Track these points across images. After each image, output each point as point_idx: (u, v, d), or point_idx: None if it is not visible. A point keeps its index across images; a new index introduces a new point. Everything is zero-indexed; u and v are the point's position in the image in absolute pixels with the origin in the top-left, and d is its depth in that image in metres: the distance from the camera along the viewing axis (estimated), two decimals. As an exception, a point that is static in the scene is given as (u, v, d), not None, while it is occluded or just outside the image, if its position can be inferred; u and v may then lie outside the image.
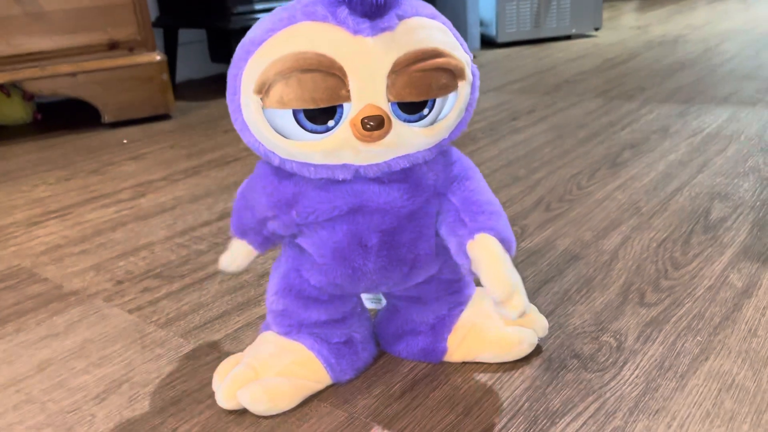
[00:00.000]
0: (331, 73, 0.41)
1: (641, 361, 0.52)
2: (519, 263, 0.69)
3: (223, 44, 1.82)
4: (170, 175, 1.08)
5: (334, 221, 0.47)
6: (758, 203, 0.79)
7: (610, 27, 2.40)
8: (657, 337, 0.55)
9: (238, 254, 0.53)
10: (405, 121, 0.44)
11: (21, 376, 0.57)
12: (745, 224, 0.74)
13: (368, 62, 0.42)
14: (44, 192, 1.05)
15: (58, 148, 1.32)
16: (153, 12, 1.87)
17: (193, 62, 2.01)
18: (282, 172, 0.47)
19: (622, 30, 2.30)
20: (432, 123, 0.45)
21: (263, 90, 0.42)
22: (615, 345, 0.54)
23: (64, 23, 1.35)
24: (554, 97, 1.42)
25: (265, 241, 0.52)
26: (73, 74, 1.38)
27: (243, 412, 0.49)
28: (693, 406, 0.46)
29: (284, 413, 0.49)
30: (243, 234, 0.52)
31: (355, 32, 0.42)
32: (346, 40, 0.42)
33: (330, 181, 0.46)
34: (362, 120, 0.42)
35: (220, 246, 0.79)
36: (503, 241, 0.46)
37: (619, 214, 0.80)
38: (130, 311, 0.66)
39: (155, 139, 1.34)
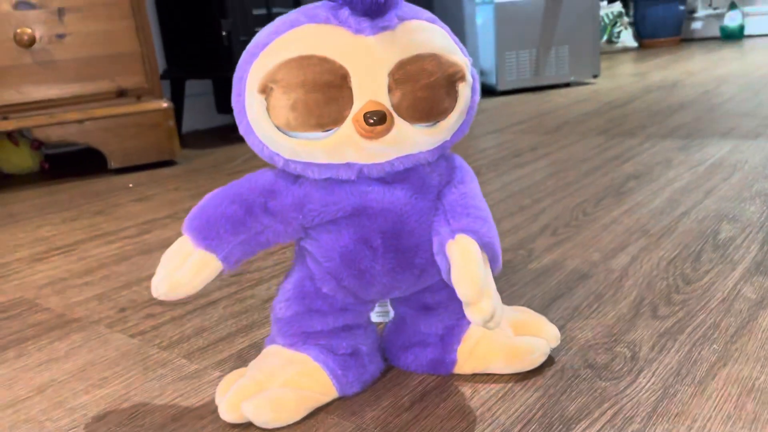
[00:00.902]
0: (334, 84, 0.42)
1: (657, 369, 0.50)
2: (527, 283, 0.68)
3: (229, 95, 1.86)
4: (175, 214, 1.08)
5: (339, 224, 0.46)
6: (767, 223, 0.78)
7: (609, 75, 2.44)
8: (672, 347, 0.53)
9: (196, 266, 0.46)
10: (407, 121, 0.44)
11: (20, 398, 0.55)
12: (754, 243, 0.73)
13: (369, 60, 0.42)
14: (49, 232, 1.05)
15: (64, 193, 1.33)
16: (161, 65, 1.92)
17: (199, 114, 2.04)
18: (287, 177, 0.47)
19: (621, 77, 2.35)
20: (434, 124, 0.45)
21: (267, 90, 0.43)
22: (629, 355, 0.53)
23: (73, 72, 1.38)
24: (556, 137, 1.43)
25: (234, 251, 0.46)
26: (81, 121, 1.40)
27: (247, 426, 0.48)
28: (714, 410, 0.45)
29: (289, 426, 0.47)
30: (206, 237, 0.46)
31: (357, 31, 0.43)
32: (347, 40, 0.43)
33: (334, 182, 0.46)
34: (364, 115, 0.42)
35: (222, 277, 0.78)
36: (484, 246, 0.45)
37: (626, 236, 0.79)
38: (132, 335, 0.65)
39: (161, 182, 1.35)
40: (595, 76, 2.29)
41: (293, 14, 0.45)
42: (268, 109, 0.43)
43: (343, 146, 0.44)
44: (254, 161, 1.47)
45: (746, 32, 3.46)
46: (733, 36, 3.39)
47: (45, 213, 1.18)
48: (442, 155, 0.50)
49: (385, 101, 0.43)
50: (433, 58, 0.44)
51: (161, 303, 0.72)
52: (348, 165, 0.45)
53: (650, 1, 3.43)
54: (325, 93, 0.41)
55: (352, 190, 0.46)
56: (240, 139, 1.74)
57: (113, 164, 1.45)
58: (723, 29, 3.43)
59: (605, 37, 3.34)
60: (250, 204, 0.47)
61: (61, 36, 1.36)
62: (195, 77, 1.86)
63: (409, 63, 0.43)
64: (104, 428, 0.49)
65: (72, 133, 1.40)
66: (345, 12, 0.43)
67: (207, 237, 0.46)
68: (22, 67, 1.33)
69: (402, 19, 0.44)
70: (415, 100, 0.43)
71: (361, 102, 0.43)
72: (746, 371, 0.49)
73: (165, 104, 1.47)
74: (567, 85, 2.27)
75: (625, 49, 3.41)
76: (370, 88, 0.42)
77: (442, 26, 0.47)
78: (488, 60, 2.17)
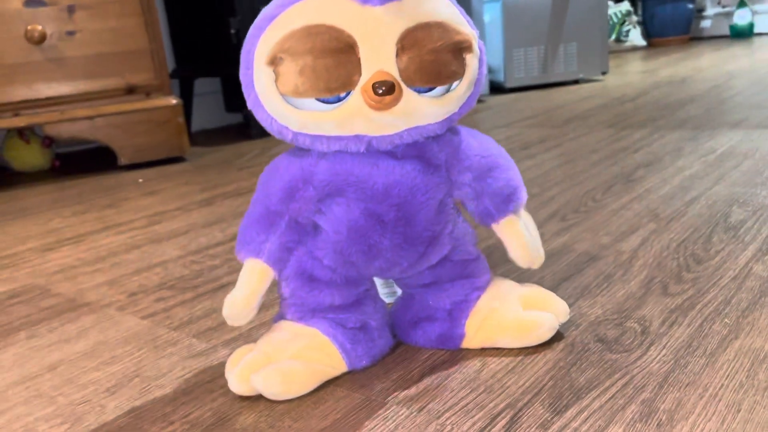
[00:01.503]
0: (343, 51, 0.42)
1: (668, 342, 0.50)
2: (536, 264, 0.68)
3: (238, 94, 1.87)
4: (185, 206, 1.09)
5: (348, 197, 0.46)
6: (778, 206, 0.78)
7: (617, 72, 2.43)
8: (683, 321, 0.53)
9: (251, 281, 0.49)
10: (416, 91, 0.44)
11: (31, 375, 0.55)
12: (766, 225, 0.73)
13: (377, 30, 0.42)
14: (59, 224, 1.06)
15: (74, 189, 1.34)
16: (170, 63, 1.93)
17: (208, 112, 2.05)
18: (298, 153, 0.48)
19: (629, 74, 2.34)
20: (442, 95, 0.45)
21: (276, 61, 0.43)
22: (639, 329, 0.52)
23: (83, 69, 1.39)
24: (564, 130, 1.43)
25: (281, 248, 0.49)
26: (91, 118, 1.41)
27: (257, 398, 0.48)
28: (725, 378, 0.44)
29: (299, 398, 0.47)
30: (248, 242, 0.49)
31: (364, 2, 0.43)
32: (355, 10, 0.43)
33: (344, 154, 0.46)
34: (373, 85, 0.42)
35: (234, 261, 0.79)
36: (513, 192, 0.51)
37: (636, 220, 0.79)
38: (142, 317, 0.65)
39: (170, 178, 1.35)
40: (603, 73, 2.29)
41: (301, -13, 0.45)
42: (276, 80, 0.43)
43: (351, 117, 0.44)
44: (264, 157, 1.48)
45: (756, 30, 3.44)
46: (743, 34, 3.37)
47: (56, 207, 1.19)
48: (450, 128, 0.50)
49: (393, 71, 0.43)
50: (440, 25, 0.44)
51: (171, 287, 0.72)
52: (357, 137, 0.45)
53: (658, 0, 3.42)
54: (334, 58, 0.42)
55: (362, 161, 0.46)
56: (249, 136, 1.75)
57: (123, 160, 1.46)
58: (732, 27, 3.41)
59: (614, 36, 3.33)
60: (275, 216, 0.48)
61: (71, 33, 1.37)
62: (204, 76, 1.87)
63: (416, 30, 0.43)
64: (115, 402, 0.50)
65: (82, 129, 1.41)
66: (353, -17, 0.43)
67: (248, 242, 0.49)
68: (32, 64, 1.34)
69: (409, -10, 0.44)
70: (423, 63, 0.43)
71: (369, 72, 0.43)
72: (758, 343, 0.48)
73: (174, 101, 1.48)
74: (576, 82, 2.27)
75: (634, 48, 3.40)
76: (379, 58, 0.43)
77: (449, -2, 0.47)
78: (496, 57, 2.17)
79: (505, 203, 0.51)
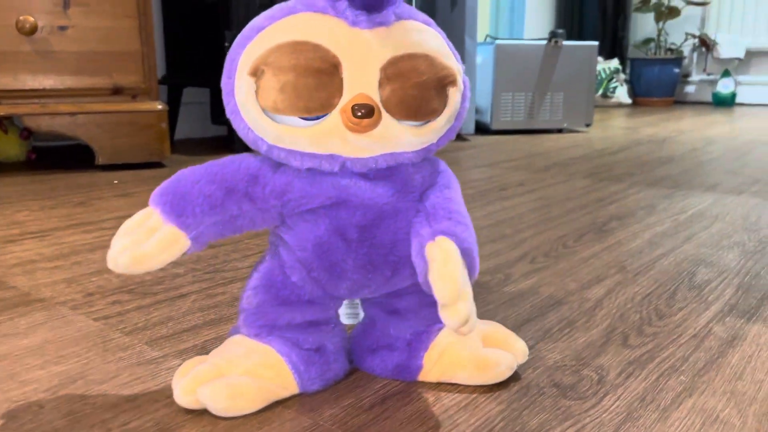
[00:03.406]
0: (326, 71, 0.42)
1: (623, 393, 0.50)
2: (501, 304, 0.67)
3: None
4: (156, 212, 1.07)
5: (317, 213, 0.46)
6: (743, 271, 0.79)
7: (601, 126, 2.48)
8: (640, 374, 0.53)
9: (164, 242, 0.44)
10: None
11: (-29, 367, 0.53)
12: (729, 287, 0.73)
13: (363, 53, 0.43)
14: (26, 217, 1.04)
15: (47, 183, 1.32)
16: (161, 69, 1.93)
17: (193, 122, 2.05)
18: (270, 164, 0.47)
19: (613, 129, 2.38)
20: (422, 124, 0.46)
21: (257, 73, 0.43)
22: (596, 378, 0.52)
23: (71, 64, 1.38)
24: (543, 176, 1.44)
25: (206, 231, 0.45)
26: (73, 114, 1.39)
27: (202, 412, 0.46)
28: (676, 435, 0.44)
29: (244, 416, 0.46)
30: (180, 214, 0.45)
31: (353, 24, 0.43)
32: (343, 31, 0.43)
33: (317, 173, 0.46)
34: (353, 107, 0.42)
35: (199, 271, 0.77)
36: (464, 251, 0.44)
37: (604, 270, 0.79)
38: (95, 319, 0.63)
39: (146, 182, 1.34)
40: (587, 125, 2.33)
41: (291, 1, 0.45)
42: (256, 92, 0.43)
43: (328, 136, 0.43)
44: (242, 171, 1.47)
45: (738, 100, 3.54)
46: (725, 102, 3.47)
47: (24, 200, 1.17)
48: (427, 158, 0.50)
49: (374, 96, 0.43)
50: (426, 58, 0.44)
51: (130, 291, 0.71)
52: (331, 156, 0.45)
53: (646, 61, 3.51)
54: (316, 78, 0.41)
55: (334, 183, 0.46)
56: (231, 150, 1.74)
57: (101, 160, 1.44)
58: (715, 95, 3.50)
59: (601, 91, 3.40)
60: (232, 187, 0.46)
61: (63, 28, 1.36)
62: (193, 85, 1.87)
63: (402, 60, 0.43)
64: (54, 403, 0.48)
65: (63, 124, 1.39)
66: (343, 4, 0.43)
67: (181, 214, 0.45)
68: (20, 54, 1.33)
69: (399, 18, 0.45)
70: (405, 97, 0.43)
71: (350, 94, 0.43)
72: (711, 403, 0.48)
73: (160, 106, 1.47)
74: (559, 131, 2.30)
75: (620, 105, 3.47)
76: (361, 81, 0.43)
77: (438, 30, 0.47)
78: (485, 99, 2.20)
79: (439, 220, 0.45)
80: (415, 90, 0.43)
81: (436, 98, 0.45)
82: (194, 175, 0.46)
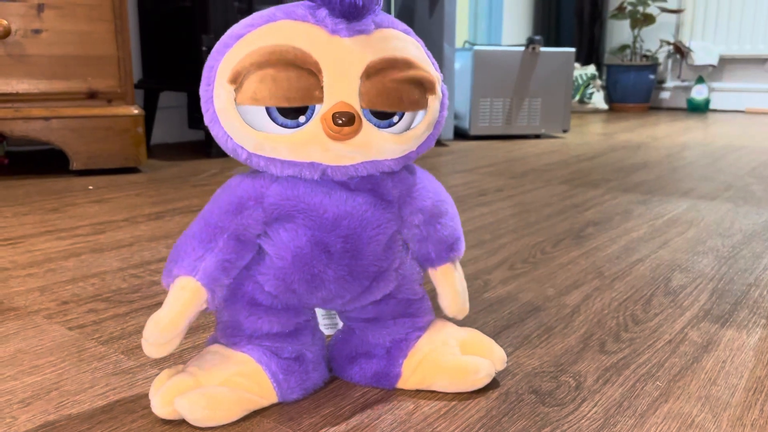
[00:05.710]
0: (306, 69, 0.42)
1: (600, 399, 0.50)
2: (479, 311, 0.68)
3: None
4: (132, 218, 1.06)
5: (297, 223, 0.46)
6: (717, 276, 0.80)
7: (578, 132, 2.50)
8: (617, 380, 0.53)
9: (181, 301, 0.44)
10: (375, 125, 0.44)
11: (-59, 378, 0.52)
12: (704, 292, 0.74)
13: (343, 61, 0.43)
14: (-1, 223, 1.02)
15: (20, 189, 1.30)
16: (137, 73, 1.91)
17: (170, 126, 2.03)
18: (252, 175, 0.47)
19: (589, 135, 2.41)
20: (402, 132, 0.46)
21: (238, 80, 0.42)
22: (574, 384, 0.53)
23: (44, 68, 1.36)
24: (522, 181, 1.45)
25: (218, 267, 0.45)
26: (47, 119, 1.37)
27: (179, 423, 0.46)
28: (652, 441, 0.45)
29: (223, 426, 0.46)
30: (188, 261, 0.45)
31: (333, 32, 0.43)
32: (323, 38, 0.43)
33: (298, 180, 0.46)
34: (333, 115, 0.42)
35: (176, 278, 0.76)
36: (457, 242, 0.53)
37: (582, 276, 0.80)
38: (70, 328, 0.62)
39: (122, 188, 1.32)
40: (564, 131, 2.35)
41: (270, 9, 0.45)
42: (236, 99, 0.43)
43: (308, 144, 0.43)
44: (221, 176, 1.46)
45: (711, 106, 3.60)
46: (699, 108, 3.52)
47: (-3, 205, 1.14)
48: (406, 167, 0.50)
49: (355, 103, 0.43)
50: (406, 61, 0.44)
51: (106, 299, 0.70)
52: (312, 164, 0.44)
53: (622, 68, 3.56)
54: (297, 72, 0.41)
55: (315, 189, 0.45)
56: (208, 155, 1.73)
57: (75, 165, 1.42)
58: (690, 101, 3.56)
59: (578, 97, 3.44)
60: (217, 230, 0.46)
61: (37, 31, 1.34)
62: (170, 89, 1.85)
63: (382, 62, 0.43)
64: (28, 415, 0.47)
65: (36, 129, 1.37)
66: (323, 12, 0.43)
67: (177, 261, 0.46)
68: (-8, 57, 1.31)
69: (378, 26, 0.45)
70: (385, 89, 0.43)
71: (331, 102, 0.43)
72: (687, 408, 0.49)
73: (136, 110, 1.46)
74: (537, 136, 2.32)
75: (596, 110, 3.51)
76: (341, 89, 0.43)
77: (417, 39, 0.48)
78: (463, 104, 2.21)
79: (447, 251, 0.52)
80: (395, 83, 0.43)
81: (417, 91, 0.45)
82: (185, 234, 0.47)
